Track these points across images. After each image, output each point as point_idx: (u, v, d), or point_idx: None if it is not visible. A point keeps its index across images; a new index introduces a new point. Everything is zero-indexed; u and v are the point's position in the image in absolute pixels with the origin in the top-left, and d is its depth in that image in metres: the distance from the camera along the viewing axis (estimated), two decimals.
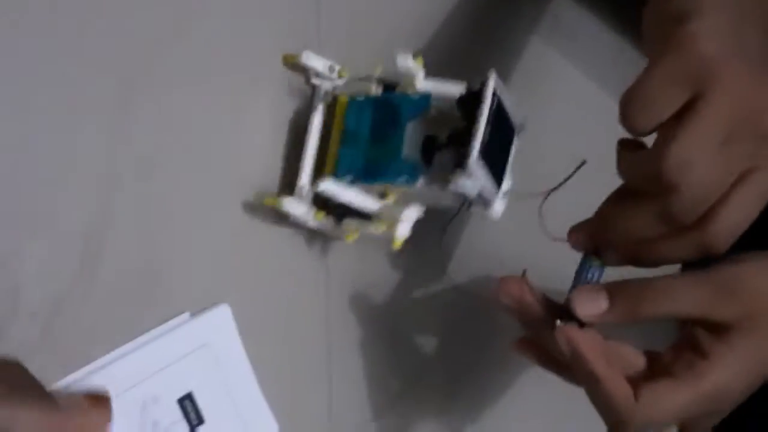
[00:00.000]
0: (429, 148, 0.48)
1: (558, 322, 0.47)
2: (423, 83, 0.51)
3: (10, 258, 0.43)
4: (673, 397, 0.45)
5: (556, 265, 0.48)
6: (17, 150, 0.44)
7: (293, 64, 0.53)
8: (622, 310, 0.47)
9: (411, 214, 0.49)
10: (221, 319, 0.50)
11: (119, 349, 0.47)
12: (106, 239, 0.46)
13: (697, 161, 0.43)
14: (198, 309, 0.50)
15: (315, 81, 0.53)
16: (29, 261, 0.44)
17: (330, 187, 0.49)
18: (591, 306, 0.47)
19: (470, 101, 0.47)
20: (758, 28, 0.46)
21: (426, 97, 0.50)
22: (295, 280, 0.55)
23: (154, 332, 0.48)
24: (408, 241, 0.50)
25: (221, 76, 0.51)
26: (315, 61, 0.52)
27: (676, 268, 0.55)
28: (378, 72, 0.52)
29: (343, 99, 0.53)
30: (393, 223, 0.49)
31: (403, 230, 0.49)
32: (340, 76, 0.53)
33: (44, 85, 0.45)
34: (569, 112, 0.65)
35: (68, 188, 0.45)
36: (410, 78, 0.51)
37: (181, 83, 0.49)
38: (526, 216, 0.48)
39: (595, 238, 0.48)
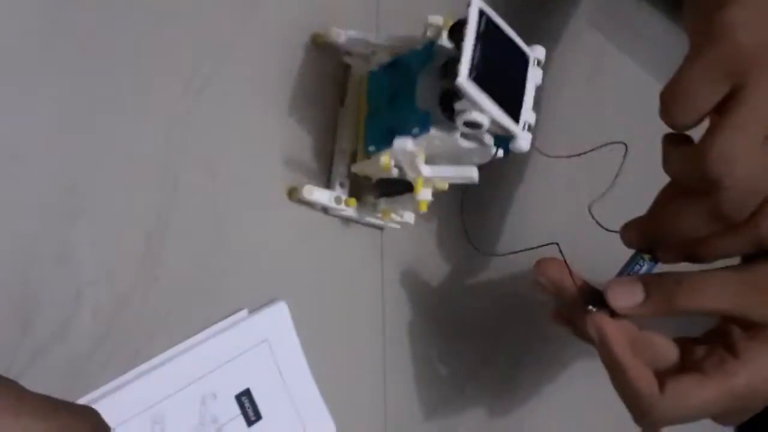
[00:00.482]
0: (447, 102, 0.46)
1: (590, 308, 0.47)
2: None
3: (73, 257, 0.44)
4: (699, 393, 0.45)
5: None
6: (78, 150, 0.45)
7: (323, 43, 0.52)
8: (656, 304, 0.47)
9: (437, 174, 0.48)
10: (279, 316, 0.51)
11: (179, 346, 0.47)
12: (167, 237, 0.47)
13: (742, 155, 0.43)
14: (256, 306, 0.50)
15: (347, 59, 0.53)
16: (91, 259, 0.45)
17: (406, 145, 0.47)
18: (626, 298, 0.47)
19: (458, 29, 0.45)
20: None
21: (429, 44, 0.48)
22: (351, 277, 0.55)
23: (212, 329, 0.48)
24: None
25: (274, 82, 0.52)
26: (342, 39, 0.52)
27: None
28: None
29: (363, 77, 0.53)
30: (419, 188, 0.49)
31: (424, 194, 0.49)
32: (373, 53, 0.52)
33: (106, 87, 0.46)
34: (620, 100, 0.65)
35: (129, 187, 0.46)
36: (434, 34, 0.48)
37: (239, 89, 0.50)
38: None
39: (648, 237, 0.48)
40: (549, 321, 0.51)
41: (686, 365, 0.47)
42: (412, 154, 0.47)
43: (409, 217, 0.54)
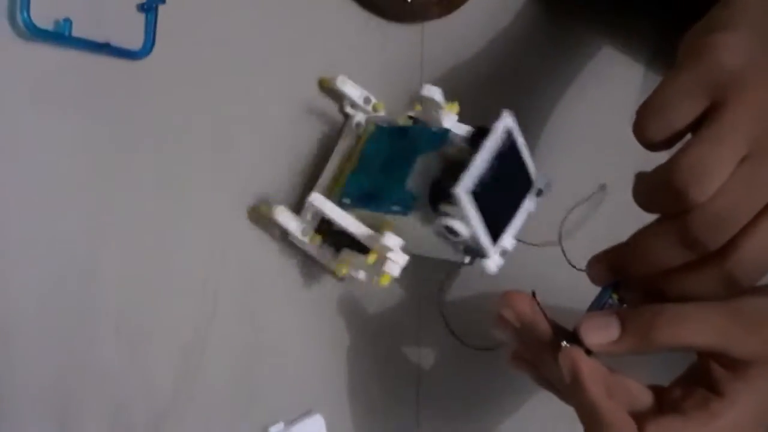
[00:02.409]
0: (436, 193, 0.45)
1: (564, 343, 0.43)
2: (450, 123, 0.49)
3: (112, 373, 0.45)
4: None
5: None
6: (117, 267, 0.46)
7: (329, 89, 0.53)
8: (633, 340, 0.43)
9: (398, 247, 0.47)
10: (315, 428, 0.51)
11: None
12: (204, 353, 0.48)
13: (713, 168, 0.41)
14: (292, 418, 0.51)
15: (348, 110, 0.53)
16: (130, 376, 0.46)
17: (318, 199, 0.47)
18: (601, 333, 0.43)
19: (480, 136, 0.44)
20: None
21: (444, 132, 0.48)
22: (384, 388, 0.55)
23: None
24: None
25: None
26: (351, 89, 0.52)
27: None
28: (416, 109, 0.51)
29: (372, 126, 0.52)
30: (382, 257, 0.47)
31: (391, 267, 0.47)
32: (374, 110, 0.52)
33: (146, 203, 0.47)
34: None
35: (168, 302, 0.47)
36: (434, 108, 0.48)
37: None
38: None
39: (614, 270, 0.46)
40: (507, 364, 0.48)
41: (664, 408, 0.44)
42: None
43: (362, 274, 0.51)
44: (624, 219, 0.45)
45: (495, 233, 0.45)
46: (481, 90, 0.59)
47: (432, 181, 0.45)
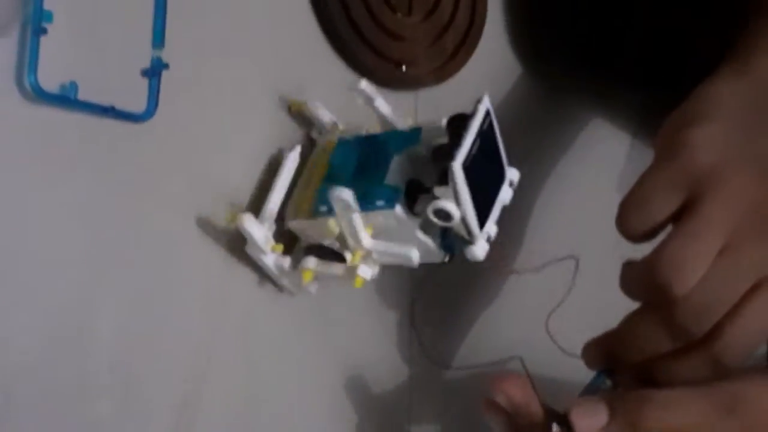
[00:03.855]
0: (412, 191, 0.46)
1: (555, 427, 0.44)
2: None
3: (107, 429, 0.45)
4: None
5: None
6: (114, 324, 0.46)
7: (299, 112, 0.52)
8: (621, 424, 0.44)
9: (379, 248, 0.46)
10: None
11: None
12: (199, 407, 0.48)
13: (693, 262, 0.42)
14: None
15: (315, 136, 0.53)
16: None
17: (345, 193, 0.45)
18: (590, 419, 0.44)
19: (460, 122, 0.45)
20: None
21: (416, 130, 0.48)
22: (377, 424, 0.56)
23: None
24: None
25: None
26: (322, 113, 0.52)
27: None
28: (376, 128, 0.51)
29: (332, 142, 0.51)
30: (361, 259, 0.47)
31: (364, 271, 0.47)
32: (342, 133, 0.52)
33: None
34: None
35: (161, 361, 0.47)
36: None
37: None
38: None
39: (607, 356, 0.47)
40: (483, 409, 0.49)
41: None
42: (353, 223, 0.46)
43: (313, 287, 0.51)
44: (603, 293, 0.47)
45: (480, 220, 0.45)
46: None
47: (407, 181, 0.45)
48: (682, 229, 0.43)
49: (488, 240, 0.46)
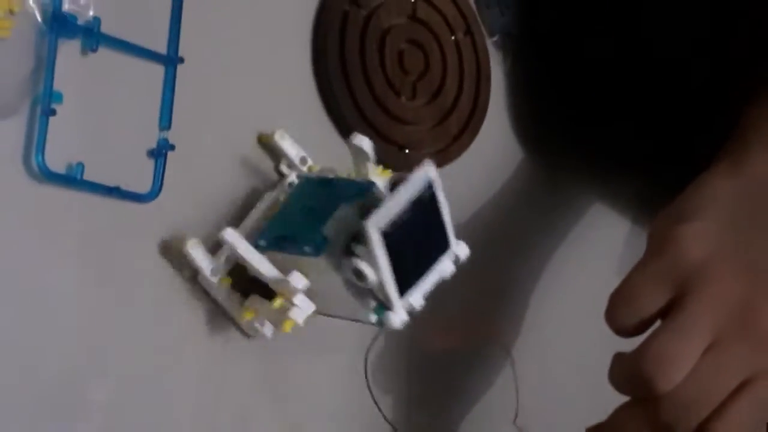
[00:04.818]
0: (350, 246, 0.44)
1: None
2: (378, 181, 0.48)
3: None
4: None
5: None
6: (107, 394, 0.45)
7: (267, 144, 0.51)
8: None
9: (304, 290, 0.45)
10: None
11: None
12: None
13: (678, 358, 0.43)
14: None
15: (283, 169, 0.52)
16: None
17: (231, 234, 0.45)
18: None
19: (397, 184, 0.43)
20: (763, 231, 0.47)
21: (369, 184, 0.47)
22: None
23: None
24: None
25: None
26: (288, 146, 0.51)
27: None
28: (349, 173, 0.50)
29: (299, 180, 0.50)
30: (288, 300, 0.45)
31: (296, 313, 0.45)
32: (309, 171, 0.51)
33: None
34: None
35: None
36: (362, 160, 0.48)
37: None
38: None
39: None
40: None
41: None
42: (251, 264, 0.45)
43: (268, 330, 0.49)
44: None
45: (403, 287, 0.44)
46: (470, 240, 0.61)
47: (349, 235, 0.44)
48: (669, 326, 0.44)
49: (410, 311, 0.45)
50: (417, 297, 0.45)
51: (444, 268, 0.46)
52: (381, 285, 0.43)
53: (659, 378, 0.43)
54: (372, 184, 0.47)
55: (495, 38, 0.64)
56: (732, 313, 0.44)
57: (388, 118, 0.57)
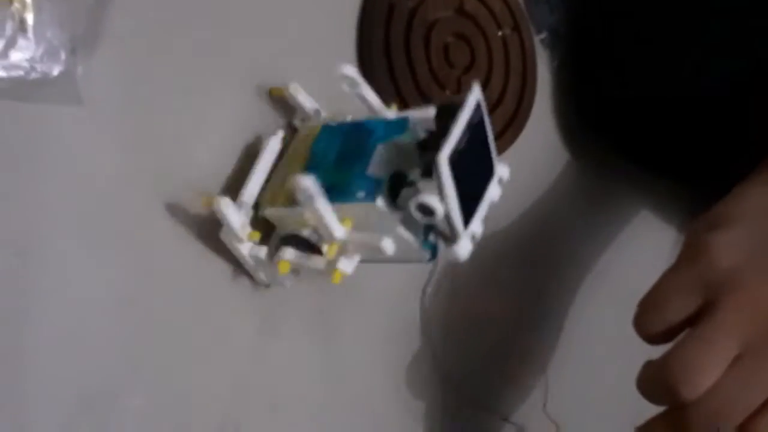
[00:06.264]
0: (396, 184, 0.43)
1: None
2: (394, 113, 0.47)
3: None
4: None
5: None
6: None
7: (280, 98, 0.50)
8: None
9: (353, 239, 0.43)
10: None
11: None
12: None
13: (704, 366, 0.42)
14: None
15: (297, 123, 0.50)
16: None
17: (310, 185, 0.41)
18: None
19: (449, 113, 0.42)
20: None
21: (403, 120, 0.45)
22: None
23: None
24: None
25: None
26: (303, 99, 0.49)
27: None
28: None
29: (315, 128, 0.48)
30: (338, 252, 0.44)
31: (344, 264, 0.44)
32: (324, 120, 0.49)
33: None
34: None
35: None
36: (354, 89, 0.46)
37: None
38: None
39: None
40: None
41: None
42: (320, 213, 0.43)
43: (288, 279, 0.48)
44: None
45: (465, 217, 0.42)
46: (511, 243, 0.60)
47: (392, 173, 0.43)
48: (695, 334, 0.43)
49: (473, 239, 0.43)
50: (477, 225, 0.43)
51: (493, 192, 0.44)
52: (447, 218, 0.41)
53: (683, 386, 0.42)
54: (405, 119, 0.45)
55: (543, 35, 0.63)
56: (761, 323, 0.43)
57: None
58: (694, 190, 0.66)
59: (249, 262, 0.47)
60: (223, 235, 0.46)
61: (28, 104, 0.41)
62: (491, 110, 0.59)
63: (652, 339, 0.46)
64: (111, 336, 0.43)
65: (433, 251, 0.44)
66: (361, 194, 0.43)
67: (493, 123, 0.58)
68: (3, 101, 0.40)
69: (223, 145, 0.48)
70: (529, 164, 0.61)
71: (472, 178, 0.43)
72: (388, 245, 0.42)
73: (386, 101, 0.48)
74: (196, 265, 0.47)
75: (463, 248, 0.43)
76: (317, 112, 0.49)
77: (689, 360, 0.42)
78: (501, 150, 0.59)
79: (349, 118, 0.48)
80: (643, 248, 0.67)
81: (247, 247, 0.46)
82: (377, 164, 0.44)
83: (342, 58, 0.54)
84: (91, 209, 0.43)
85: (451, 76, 0.57)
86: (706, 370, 0.42)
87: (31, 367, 0.41)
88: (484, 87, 0.59)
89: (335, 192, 0.43)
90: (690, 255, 0.46)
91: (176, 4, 0.47)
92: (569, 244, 0.64)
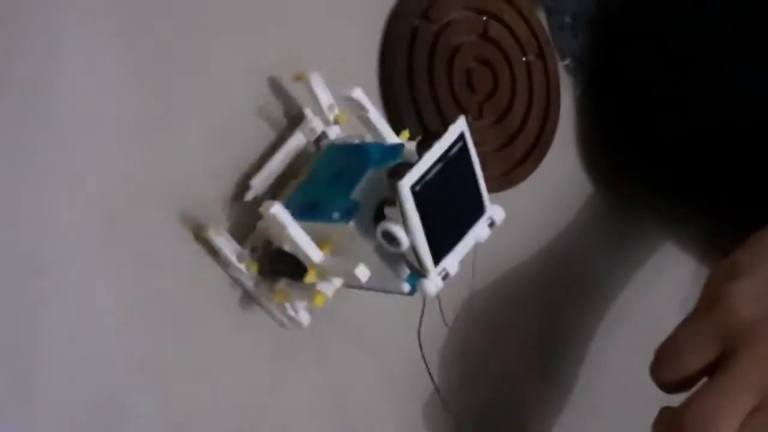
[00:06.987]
0: (380, 212, 0.42)
1: None
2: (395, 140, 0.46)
3: None
4: None
5: None
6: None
7: (300, 81, 0.49)
8: None
9: (328, 263, 0.42)
10: None
11: None
12: None
13: (722, 420, 0.41)
14: None
15: (307, 113, 0.49)
16: None
17: (278, 211, 0.41)
18: None
19: (429, 140, 0.40)
20: None
21: (398, 146, 0.44)
22: None
23: None
24: None
25: None
26: (321, 91, 0.48)
27: None
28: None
29: (324, 148, 0.48)
30: (320, 276, 0.43)
31: (325, 287, 0.43)
32: (336, 121, 0.48)
33: None
34: None
35: None
36: (359, 112, 0.46)
37: None
38: None
39: None
40: None
41: None
42: (293, 238, 0.42)
43: (304, 317, 0.47)
44: None
45: (438, 253, 0.41)
46: (529, 272, 0.59)
47: (380, 200, 0.41)
48: (713, 384, 0.43)
49: (444, 277, 0.42)
50: (452, 263, 0.42)
51: (480, 232, 0.43)
52: (414, 249, 0.40)
53: None
54: (401, 145, 0.44)
55: (567, 62, 0.62)
56: None
57: None
58: (717, 222, 0.66)
59: (256, 296, 0.47)
60: (229, 270, 0.46)
61: None
62: (513, 137, 0.58)
63: (668, 387, 0.45)
64: (121, 354, 0.44)
65: (413, 287, 0.43)
66: (336, 215, 0.42)
67: (513, 150, 0.58)
68: None
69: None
70: (549, 192, 0.61)
71: (449, 213, 0.42)
72: (362, 272, 0.41)
73: (407, 126, 0.48)
74: (210, 290, 0.47)
75: (431, 284, 0.41)
76: (331, 106, 0.48)
77: (707, 410, 0.42)
78: (521, 178, 0.58)
79: (368, 138, 0.47)
80: (661, 284, 0.66)
81: (249, 277, 0.46)
82: (362, 189, 0.43)
83: (364, 81, 0.53)
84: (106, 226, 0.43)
85: (473, 101, 0.57)
86: (724, 421, 0.42)
87: (40, 378, 0.41)
88: (507, 113, 0.58)
89: (317, 210, 0.43)
90: (709, 303, 0.45)
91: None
92: (588, 284, 0.63)
